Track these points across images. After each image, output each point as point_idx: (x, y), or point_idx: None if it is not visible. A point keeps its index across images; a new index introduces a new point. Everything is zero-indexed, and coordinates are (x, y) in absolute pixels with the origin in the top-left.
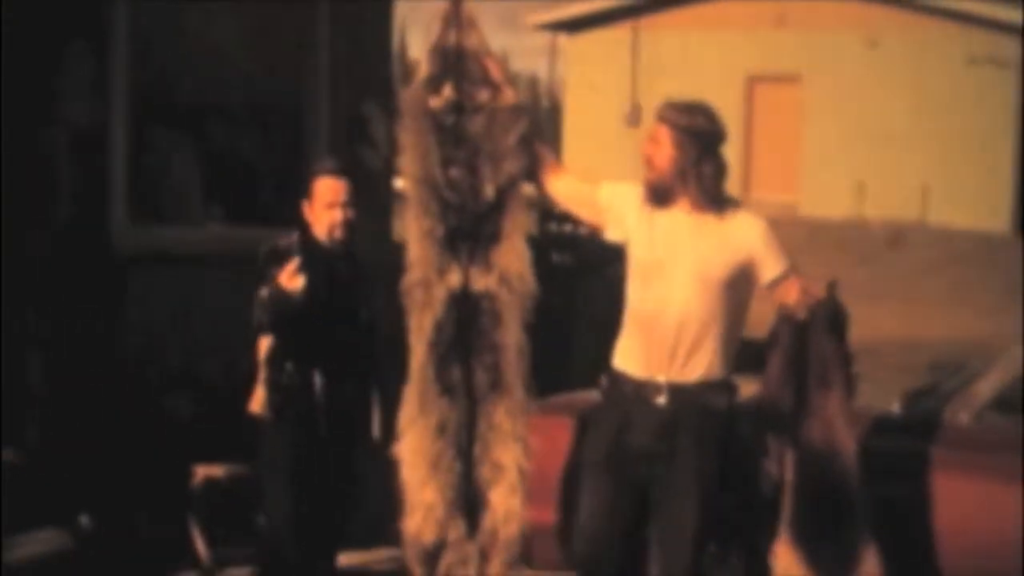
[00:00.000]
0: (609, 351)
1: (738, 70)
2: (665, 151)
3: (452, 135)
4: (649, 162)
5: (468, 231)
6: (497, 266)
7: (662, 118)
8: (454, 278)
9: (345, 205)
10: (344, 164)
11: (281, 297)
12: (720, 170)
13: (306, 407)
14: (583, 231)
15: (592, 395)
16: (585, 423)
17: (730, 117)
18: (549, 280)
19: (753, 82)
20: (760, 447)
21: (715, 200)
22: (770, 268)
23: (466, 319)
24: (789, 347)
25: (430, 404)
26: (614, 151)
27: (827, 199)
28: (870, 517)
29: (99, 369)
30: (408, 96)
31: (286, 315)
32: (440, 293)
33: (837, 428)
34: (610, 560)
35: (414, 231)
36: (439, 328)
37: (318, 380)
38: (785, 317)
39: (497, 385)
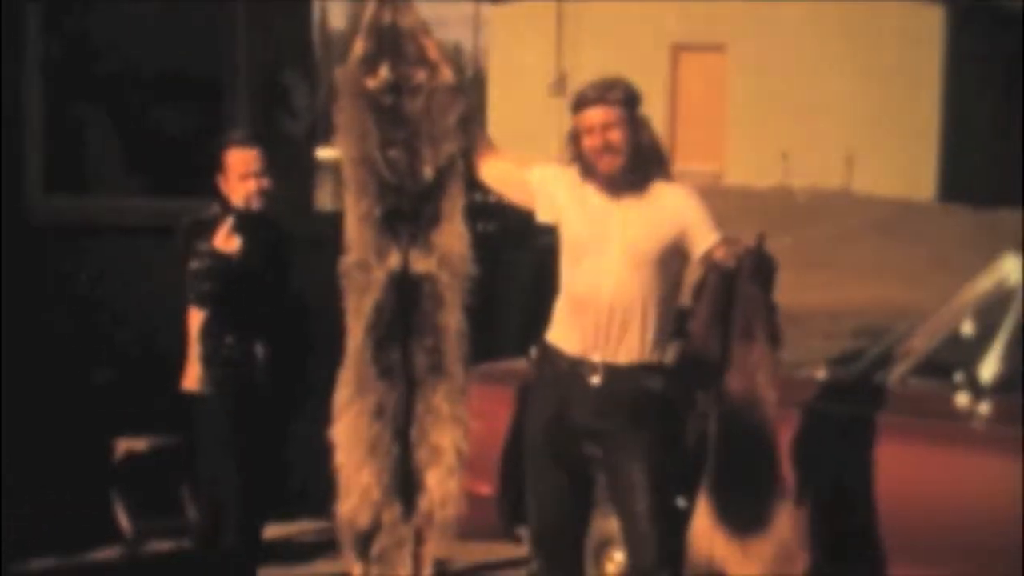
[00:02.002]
0: (536, 320)
1: (663, 39)
2: (622, 132)
3: (390, 116)
4: (611, 148)
5: (407, 212)
6: (437, 248)
7: (604, 99)
8: (393, 260)
9: (259, 175)
10: (256, 133)
11: (219, 261)
12: (657, 139)
13: (248, 379)
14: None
15: (521, 364)
16: (524, 393)
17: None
18: (475, 250)
19: (678, 51)
20: (686, 401)
21: (649, 173)
22: (703, 240)
23: (406, 301)
24: (716, 297)
25: (367, 386)
26: (539, 121)
27: (752, 168)
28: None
29: (19, 340)
30: (343, 76)
31: (225, 281)
32: (379, 275)
33: (759, 380)
34: (568, 546)
35: (352, 213)
36: (379, 310)
37: (259, 351)
38: (712, 266)
39: (437, 368)
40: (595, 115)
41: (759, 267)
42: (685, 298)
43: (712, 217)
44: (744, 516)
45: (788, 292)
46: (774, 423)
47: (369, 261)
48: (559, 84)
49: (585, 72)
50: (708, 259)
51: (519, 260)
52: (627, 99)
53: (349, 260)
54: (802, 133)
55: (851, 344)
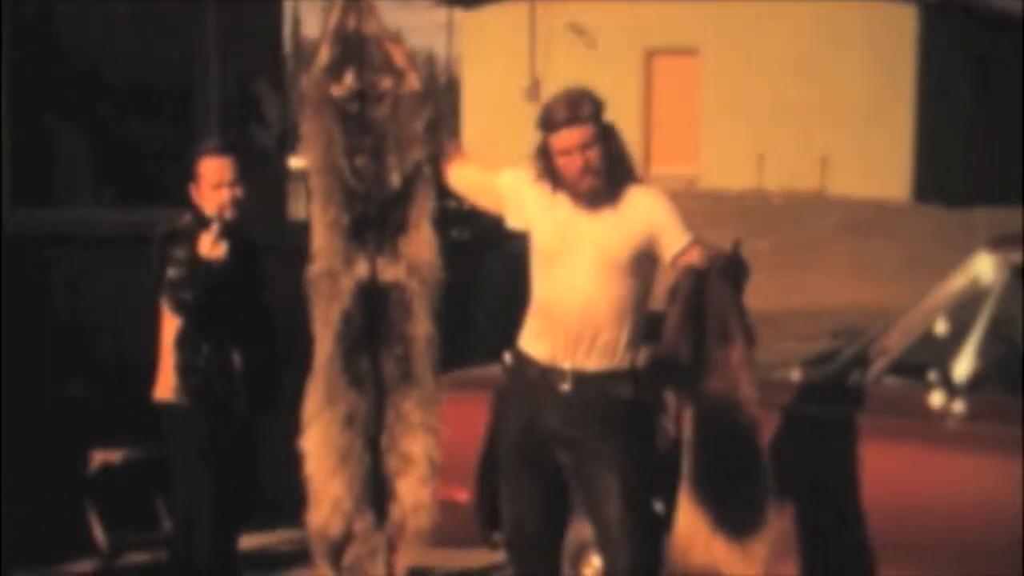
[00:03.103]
0: (509, 326)
1: (636, 43)
2: (598, 150)
3: (356, 123)
4: (591, 169)
5: (375, 220)
6: (405, 256)
7: (575, 119)
8: (361, 268)
9: (232, 184)
10: (228, 142)
11: (198, 269)
12: (623, 144)
13: (224, 389)
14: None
15: (495, 370)
16: (498, 401)
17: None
18: (448, 256)
19: (651, 55)
20: (657, 403)
21: (619, 179)
22: (673, 242)
23: (374, 310)
24: (688, 301)
25: (337, 395)
26: (513, 126)
27: (727, 171)
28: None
29: None
30: (308, 83)
31: (204, 289)
32: (347, 284)
33: (740, 381)
34: (544, 552)
35: (318, 221)
36: (347, 320)
37: (235, 360)
38: (686, 270)
39: (407, 376)
40: (570, 137)
41: (729, 268)
42: (656, 302)
43: (682, 219)
44: (738, 517)
45: (764, 294)
46: (757, 422)
47: (336, 269)
48: (533, 90)
49: (559, 77)
50: (681, 263)
51: (493, 266)
52: (596, 113)
53: (316, 268)
54: (777, 136)
55: (827, 345)
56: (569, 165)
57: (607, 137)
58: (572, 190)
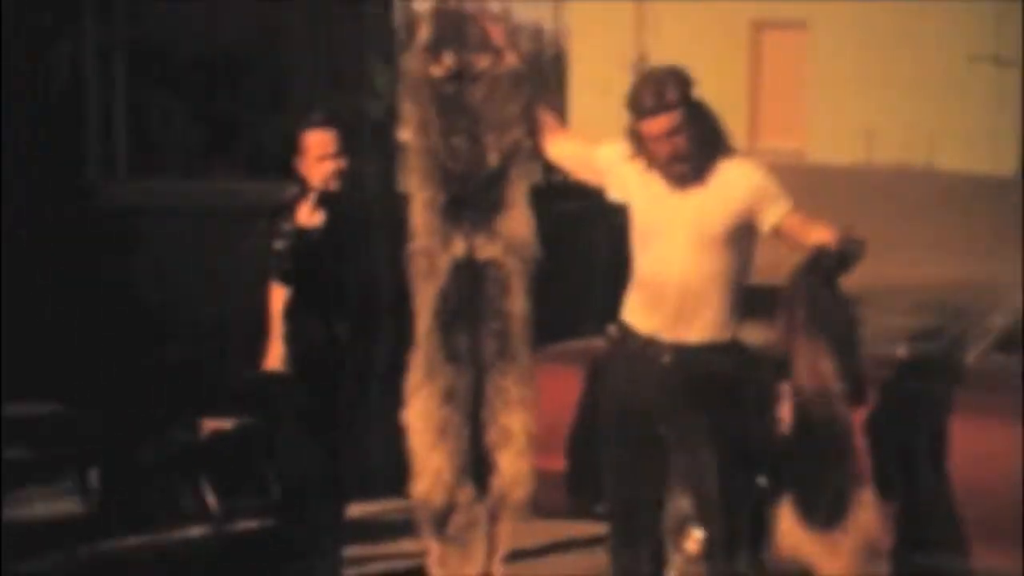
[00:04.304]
0: (615, 299)
1: (742, 17)
2: (686, 135)
3: (453, 104)
4: (679, 156)
5: (472, 199)
6: (502, 234)
7: (661, 106)
8: (458, 247)
9: (336, 156)
10: (333, 115)
11: (302, 239)
12: (716, 119)
13: (329, 359)
14: None
15: (598, 343)
16: (595, 372)
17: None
18: (554, 229)
19: (758, 28)
20: (771, 394)
21: (712, 155)
22: (771, 212)
23: (472, 287)
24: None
25: (436, 370)
26: (620, 100)
27: (834, 145)
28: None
29: (104, 320)
30: (408, 64)
31: (308, 259)
32: (444, 262)
33: (824, 372)
34: (645, 524)
35: (417, 201)
36: (444, 297)
37: (341, 330)
38: (811, 264)
39: (504, 352)
40: (656, 125)
41: (836, 265)
42: (756, 274)
43: (779, 188)
44: (825, 511)
45: (868, 269)
46: (846, 415)
47: (434, 248)
48: (640, 64)
49: (666, 50)
50: (816, 246)
51: (600, 238)
52: (683, 97)
53: (415, 247)
54: (884, 110)
55: (932, 321)
56: (658, 150)
57: (696, 118)
58: (664, 172)
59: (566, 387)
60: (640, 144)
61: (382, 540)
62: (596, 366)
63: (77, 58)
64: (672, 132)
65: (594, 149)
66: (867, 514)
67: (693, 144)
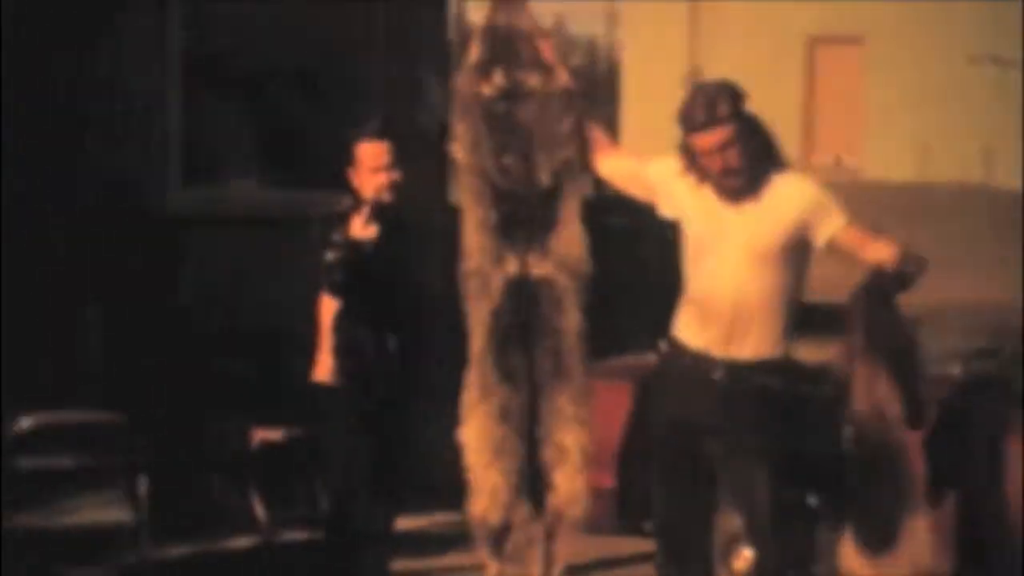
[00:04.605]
0: (666, 315)
1: (798, 32)
2: (737, 149)
3: (504, 122)
4: (731, 171)
5: (524, 218)
6: (554, 251)
7: (712, 121)
8: (511, 266)
9: (389, 168)
10: (387, 127)
11: (354, 251)
12: (767, 133)
13: (379, 371)
14: None
15: (649, 359)
16: (645, 388)
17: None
18: (606, 243)
19: (814, 43)
20: (840, 416)
21: (765, 169)
22: (826, 226)
23: (525, 306)
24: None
25: (491, 390)
26: (673, 113)
27: (890, 161)
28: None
29: (156, 329)
30: (460, 82)
31: (359, 271)
32: (497, 281)
33: (881, 396)
34: (694, 541)
35: (469, 220)
36: (497, 316)
37: (391, 343)
38: (868, 285)
39: (558, 370)
40: (708, 139)
41: (879, 280)
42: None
43: (834, 202)
44: (878, 536)
45: (924, 288)
46: (901, 440)
47: (486, 268)
48: (693, 77)
49: (720, 64)
50: (873, 267)
51: (651, 253)
52: (735, 111)
53: (467, 267)
54: (941, 126)
55: (988, 341)
56: (710, 164)
57: (749, 132)
58: (716, 186)
59: (616, 403)
60: (692, 158)
61: (434, 554)
62: (646, 382)
63: (157, 68)
64: (724, 146)
65: (645, 165)
66: (920, 541)
67: (745, 158)
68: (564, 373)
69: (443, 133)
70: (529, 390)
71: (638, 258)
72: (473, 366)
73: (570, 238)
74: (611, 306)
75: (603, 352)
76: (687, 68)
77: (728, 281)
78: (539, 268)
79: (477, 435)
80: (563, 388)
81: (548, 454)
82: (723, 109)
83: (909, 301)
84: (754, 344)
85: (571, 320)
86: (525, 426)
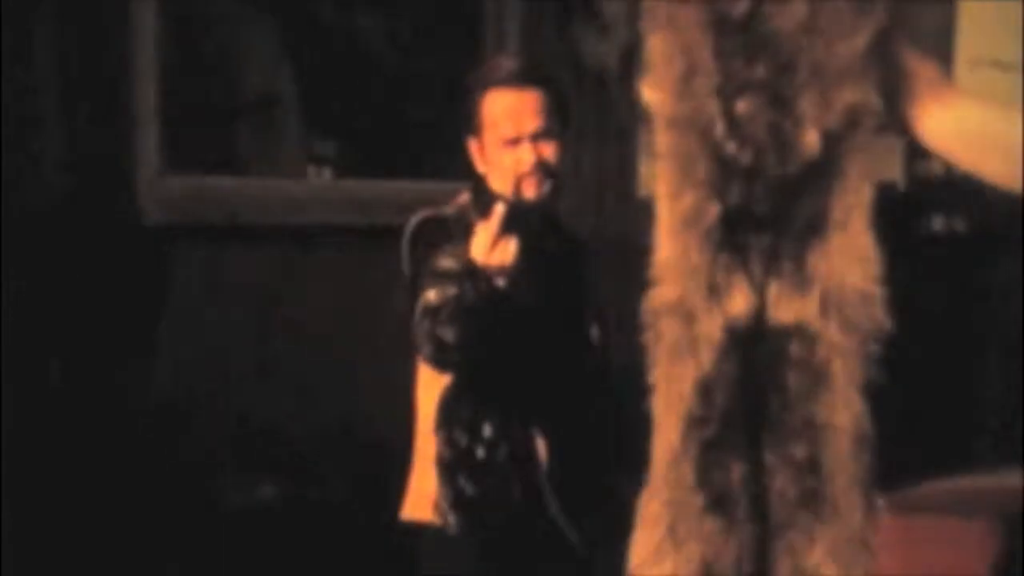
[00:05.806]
0: None
1: None
2: None
3: (742, 39)
4: None
5: (766, 215)
6: (819, 279)
7: None
8: (739, 302)
9: (540, 138)
10: (533, 65)
11: (478, 288)
12: None
13: (522, 500)
14: None
15: (1005, 482)
16: (1006, 530)
17: None
18: (924, 263)
19: None
20: None
21: None
22: None
23: (759, 377)
24: None
25: (689, 527)
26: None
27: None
28: None
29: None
30: None
31: (488, 324)
32: (711, 328)
33: None
34: None
35: (666, 213)
36: (707, 392)
37: (542, 450)
38: None
39: (814, 497)
40: None
41: None
42: None
43: None
44: None
45: None
46: None
47: (693, 302)
48: None
49: None
50: None
51: (1008, 279)
52: None
53: (659, 300)
54: None
55: None
56: None
57: None
58: None
59: (938, 558)
60: None
61: None
62: (1006, 523)
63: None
64: None
65: (1014, 117)
66: None
67: None
68: (823, 503)
69: (627, 70)
70: (755, 531)
71: (986, 295)
72: (656, 482)
73: (848, 256)
74: (930, 382)
75: (909, 468)
76: None
77: None
78: (789, 308)
79: None
80: (818, 530)
81: None
82: None
83: None
84: None
85: (843, 408)
86: None
